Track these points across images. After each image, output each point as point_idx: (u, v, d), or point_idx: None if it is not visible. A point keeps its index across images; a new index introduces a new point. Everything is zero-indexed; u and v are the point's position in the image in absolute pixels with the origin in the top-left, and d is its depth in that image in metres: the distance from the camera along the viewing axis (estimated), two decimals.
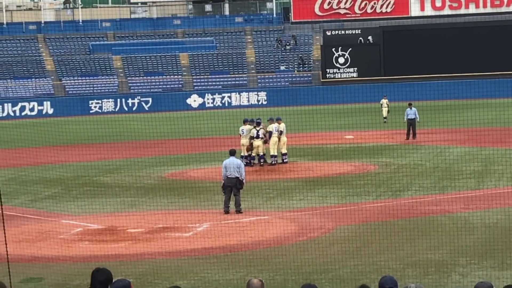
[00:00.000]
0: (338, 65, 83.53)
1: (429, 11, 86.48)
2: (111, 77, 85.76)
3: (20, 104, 78.28)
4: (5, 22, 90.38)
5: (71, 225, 23.93)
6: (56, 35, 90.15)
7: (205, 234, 21.91)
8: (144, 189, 30.58)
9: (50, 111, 77.89)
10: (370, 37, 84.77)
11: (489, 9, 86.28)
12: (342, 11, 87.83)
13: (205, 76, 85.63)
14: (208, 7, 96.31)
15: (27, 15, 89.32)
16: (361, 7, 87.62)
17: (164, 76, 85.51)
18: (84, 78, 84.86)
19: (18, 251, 19.47)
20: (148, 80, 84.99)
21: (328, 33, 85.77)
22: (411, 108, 44.54)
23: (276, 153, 35.82)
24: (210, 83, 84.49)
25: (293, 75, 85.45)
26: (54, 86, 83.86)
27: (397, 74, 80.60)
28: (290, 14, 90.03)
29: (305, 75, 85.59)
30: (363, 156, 37.38)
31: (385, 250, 18.96)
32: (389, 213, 23.70)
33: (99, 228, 23.17)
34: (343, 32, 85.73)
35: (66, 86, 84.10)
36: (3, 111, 77.65)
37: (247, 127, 35.58)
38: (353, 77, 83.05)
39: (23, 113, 77.48)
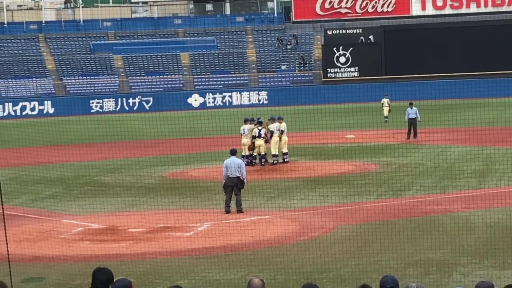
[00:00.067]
0: (339, 64, 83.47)
1: (430, 10, 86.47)
2: (112, 76, 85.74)
3: (21, 104, 78.26)
4: (6, 21, 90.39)
5: (72, 224, 23.91)
6: (57, 34, 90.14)
7: (206, 234, 21.89)
8: (145, 188, 30.57)
9: (51, 110, 77.89)
10: (371, 37, 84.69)
11: (490, 9, 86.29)
12: (343, 11, 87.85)
13: (206, 76, 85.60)
14: (209, 7, 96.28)
15: (28, 14, 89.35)
16: (362, 6, 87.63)
17: (165, 76, 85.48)
18: (85, 77, 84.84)
19: (19, 251, 19.45)
20: (149, 80, 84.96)
21: (329, 33, 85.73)
22: (412, 108, 44.50)
23: (277, 153, 35.81)
24: (211, 83, 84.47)
25: (294, 75, 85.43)
26: (55, 86, 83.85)
27: (398, 73, 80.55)
28: (291, 13, 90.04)
29: (306, 74, 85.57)
30: (364, 155, 37.36)
31: (386, 250, 18.94)
32: (390, 212, 23.69)
33: (100, 228, 23.15)
34: (344, 31, 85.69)
35: (67, 86, 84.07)
36: (4, 110, 77.62)
37: (248, 126, 35.58)
38: (354, 76, 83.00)
39: (24, 113, 77.44)
